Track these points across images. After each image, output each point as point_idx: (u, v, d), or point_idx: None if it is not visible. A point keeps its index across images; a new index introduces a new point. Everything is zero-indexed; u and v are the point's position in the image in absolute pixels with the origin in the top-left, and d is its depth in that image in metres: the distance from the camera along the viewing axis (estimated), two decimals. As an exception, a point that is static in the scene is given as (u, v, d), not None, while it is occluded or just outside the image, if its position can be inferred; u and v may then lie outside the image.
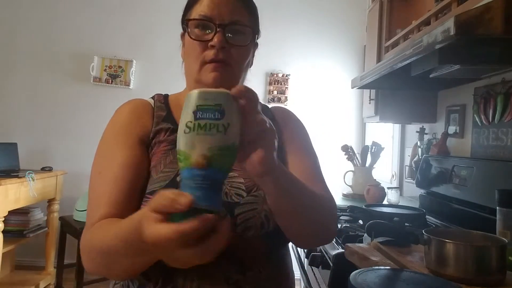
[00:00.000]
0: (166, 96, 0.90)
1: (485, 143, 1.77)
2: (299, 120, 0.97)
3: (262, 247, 0.75)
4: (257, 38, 0.88)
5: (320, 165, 0.90)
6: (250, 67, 0.89)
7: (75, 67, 3.60)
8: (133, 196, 0.74)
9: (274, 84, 3.65)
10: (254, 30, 0.83)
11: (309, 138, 0.94)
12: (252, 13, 0.84)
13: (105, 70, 3.59)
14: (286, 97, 3.66)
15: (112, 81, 3.59)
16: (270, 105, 1.00)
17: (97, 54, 3.58)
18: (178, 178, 0.74)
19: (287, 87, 3.67)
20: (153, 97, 0.89)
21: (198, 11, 0.79)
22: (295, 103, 3.65)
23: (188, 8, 0.84)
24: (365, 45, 2.98)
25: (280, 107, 0.98)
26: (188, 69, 0.84)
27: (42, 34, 3.61)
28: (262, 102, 1.07)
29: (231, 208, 0.74)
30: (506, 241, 0.98)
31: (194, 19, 0.79)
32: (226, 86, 0.80)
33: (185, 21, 0.82)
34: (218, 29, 0.77)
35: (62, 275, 2.86)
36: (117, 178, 0.73)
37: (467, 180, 1.67)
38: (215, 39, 0.76)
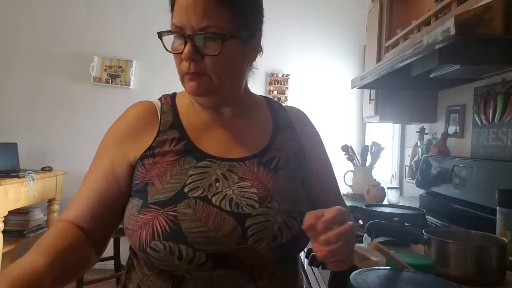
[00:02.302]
0: (174, 96, 0.87)
1: (485, 143, 1.77)
2: (313, 124, 0.93)
3: (274, 257, 0.72)
4: (251, 36, 0.78)
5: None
6: (251, 68, 0.84)
7: (75, 67, 3.60)
8: (104, 210, 0.76)
9: (274, 84, 3.65)
10: (232, 32, 0.73)
11: (323, 145, 0.93)
12: (234, 7, 0.73)
13: (105, 70, 3.59)
14: (286, 97, 3.66)
15: (112, 81, 3.59)
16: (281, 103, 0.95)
17: (97, 54, 3.58)
18: (185, 189, 0.72)
19: (287, 87, 3.67)
20: (160, 99, 0.86)
21: (173, 17, 0.77)
22: (295, 103, 3.63)
23: (171, 9, 0.79)
24: (365, 45, 2.98)
25: (295, 108, 0.94)
26: None
27: (43, 34, 3.61)
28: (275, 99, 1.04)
29: (242, 219, 0.70)
30: (506, 241, 0.99)
31: (164, 31, 0.78)
32: (208, 95, 0.79)
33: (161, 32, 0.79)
34: (187, 40, 0.73)
35: (62, 275, 2.86)
36: (93, 188, 0.77)
37: (467, 180, 1.67)
38: (184, 52, 0.73)
